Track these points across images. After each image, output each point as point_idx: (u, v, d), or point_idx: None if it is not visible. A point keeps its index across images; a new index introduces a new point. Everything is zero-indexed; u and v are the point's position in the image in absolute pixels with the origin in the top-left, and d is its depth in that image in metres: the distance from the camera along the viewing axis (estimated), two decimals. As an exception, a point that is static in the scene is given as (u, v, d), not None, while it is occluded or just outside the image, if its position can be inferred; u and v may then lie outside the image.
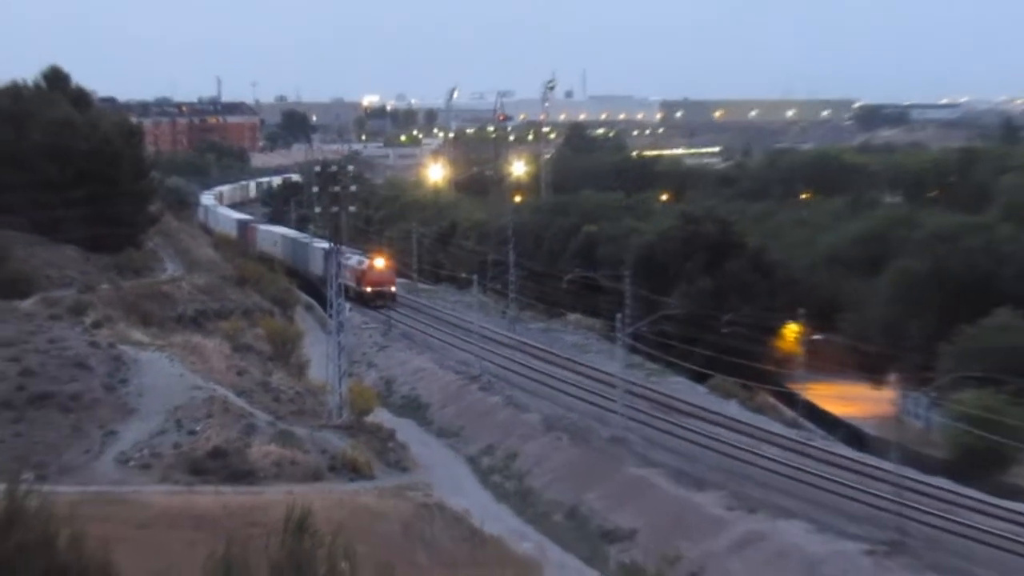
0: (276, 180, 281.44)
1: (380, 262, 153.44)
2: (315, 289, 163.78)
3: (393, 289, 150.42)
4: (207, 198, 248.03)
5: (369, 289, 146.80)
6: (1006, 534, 74.54)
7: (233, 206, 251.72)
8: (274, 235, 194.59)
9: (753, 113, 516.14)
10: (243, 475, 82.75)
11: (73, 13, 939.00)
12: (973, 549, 71.69)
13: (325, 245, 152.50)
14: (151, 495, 76.76)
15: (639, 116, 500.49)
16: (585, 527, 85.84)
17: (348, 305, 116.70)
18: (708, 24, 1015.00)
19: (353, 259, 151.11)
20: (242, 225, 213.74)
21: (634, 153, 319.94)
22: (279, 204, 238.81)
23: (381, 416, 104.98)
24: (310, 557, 12.57)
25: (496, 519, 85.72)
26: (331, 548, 12.55)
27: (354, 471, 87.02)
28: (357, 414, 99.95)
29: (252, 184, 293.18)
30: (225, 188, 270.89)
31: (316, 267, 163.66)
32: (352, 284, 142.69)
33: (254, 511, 63.15)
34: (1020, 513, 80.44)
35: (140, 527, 58.66)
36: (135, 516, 64.80)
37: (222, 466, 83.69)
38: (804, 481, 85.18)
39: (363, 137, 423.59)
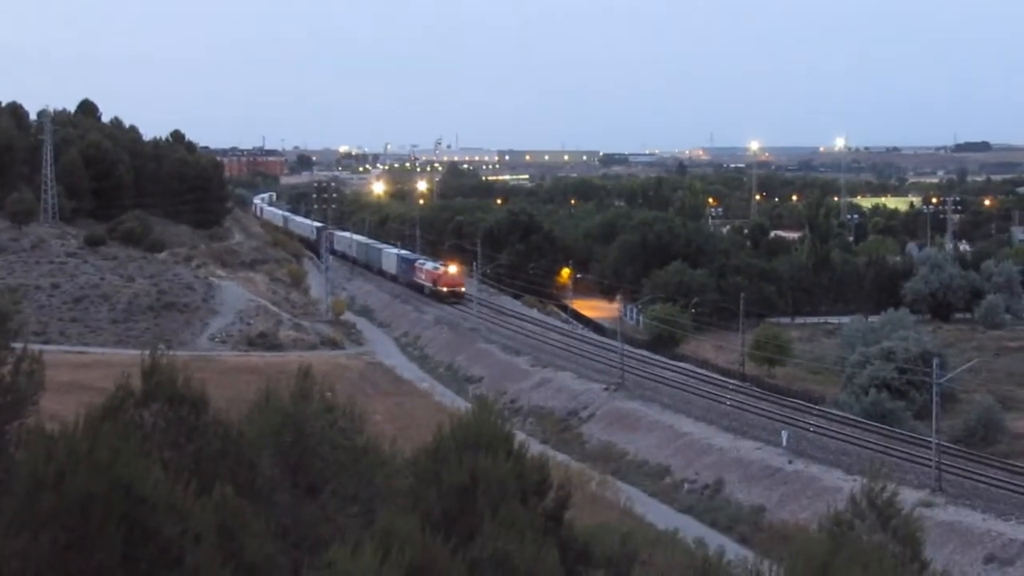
0: (293, 192, 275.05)
1: (453, 268, 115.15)
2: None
3: (463, 289, 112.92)
4: (258, 200, 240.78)
5: (445, 289, 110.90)
6: (677, 380, 75.50)
7: (270, 203, 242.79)
8: (348, 239, 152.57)
9: (546, 157, 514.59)
10: (275, 347, 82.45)
11: (186, 92, 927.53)
12: (659, 388, 72.45)
13: (396, 251, 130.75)
14: (227, 357, 76.23)
15: (486, 158, 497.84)
16: (456, 375, 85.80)
17: (332, 258, 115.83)
18: (521, 104, 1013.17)
19: (427, 264, 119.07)
20: (320, 230, 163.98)
21: (483, 178, 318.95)
22: (296, 203, 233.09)
23: (348, 316, 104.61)
24: (310, 390, 12.54)
25: (409, 370, 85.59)
26: (322, 385, 12.54)
27: (334, 345, 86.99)
28: (336, 315, 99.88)
29: (280, 193, 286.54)
30: (265, 195, 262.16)
31: (389, 267, 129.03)
32: (428, 284, 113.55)
33: (282, 365, 62.72)
34: (684, 368, 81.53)
35: (221, 374, 58.04)
36: (219, 368, 64.21)
37: (264, 342, 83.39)
38: (571, 350, 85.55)
39: (340, 168, 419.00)
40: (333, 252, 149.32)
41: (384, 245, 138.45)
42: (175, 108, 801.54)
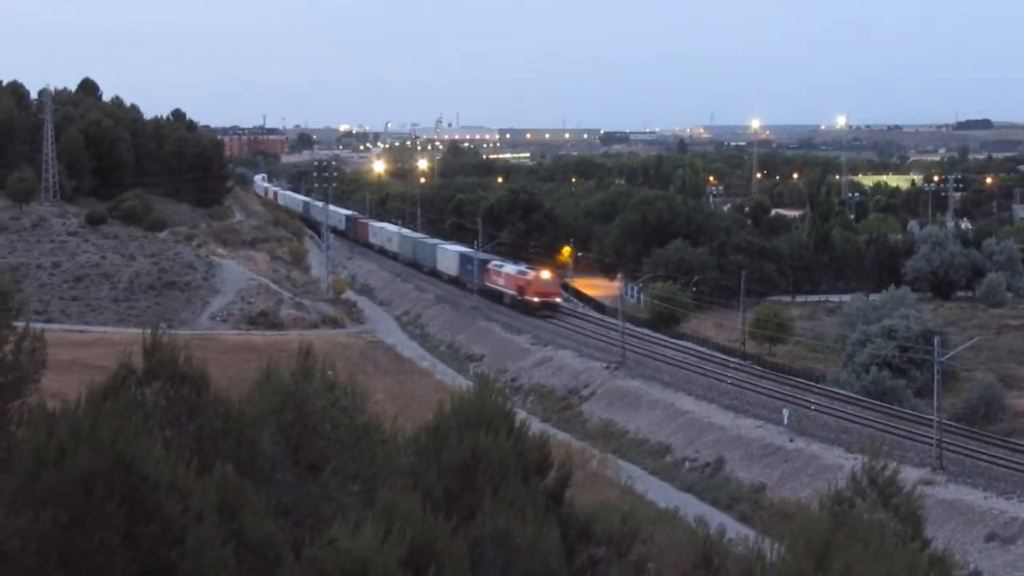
0: (293, 171, 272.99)
1: (546, 274, 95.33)
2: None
3: (558, 300, 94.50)
4: (258, 179, 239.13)
5: (536, 299, 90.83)
6: (677, 358, 75.55)
7: (268, 181, 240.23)
8: (388, 232, 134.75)
9: (547, 135, 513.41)
10: (276, 325, 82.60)
11: (186, 70, 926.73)
12: (660, 366, 72.51)
13: (457, 248, 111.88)
14: (227, 335, 76.36)
15: (487, 136, 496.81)
16: (457, 353, 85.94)
17: (332, 236, 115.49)
18: (522, 82, 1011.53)
19: (507, 267, 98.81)
20: (351, 220, 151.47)
21: (484, 156, 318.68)
22: (296, 182, 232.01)
23: (349, 295, 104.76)
24: (311, 369, 12.55)
25: (410, 349, 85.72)
26: (323, 364, 12.54)
27: (335, 323, 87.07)
28: (336, 293, 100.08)
29: (280, 171, 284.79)
30: (264, 174, 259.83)
31: (447, 268, 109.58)
32: (511, 292, 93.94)
33: (282, 344, 62.72)
34: (684, 346, 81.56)
35: (222, 353, 58.13)
36: (219, 347, 64.30)
37: (265, 320, 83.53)
38: (572, 329, 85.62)
39: (341, 147, 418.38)
40: (368, 246, 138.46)
41: (438, 241, 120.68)
42: (176, 87, 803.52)
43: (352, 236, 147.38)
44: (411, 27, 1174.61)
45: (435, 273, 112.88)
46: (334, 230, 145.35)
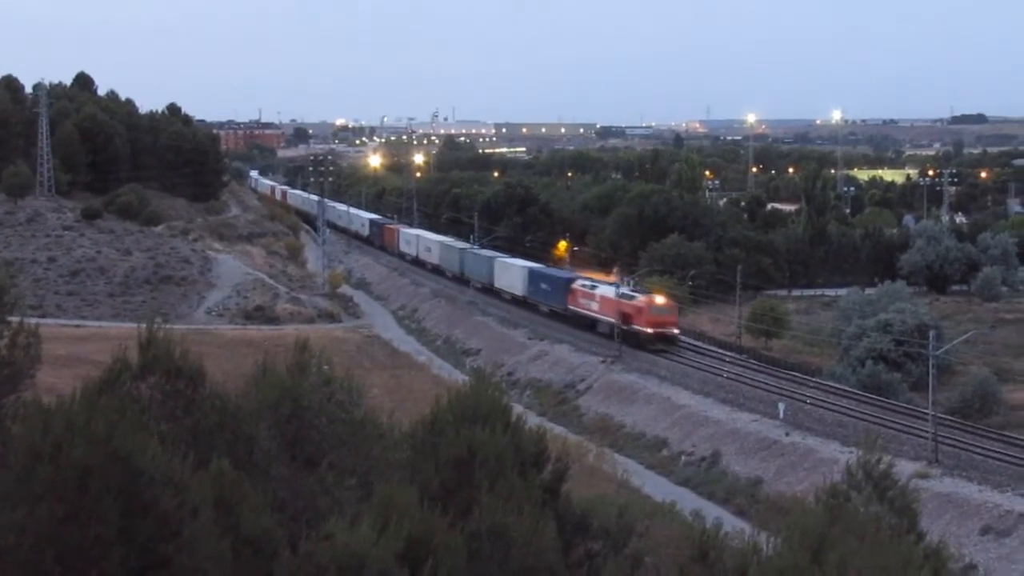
0: (290, 165, 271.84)
1: (660, 298, 76.08)
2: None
3: (676, 331, 75.91)
4: (254, 175, 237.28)
5: (650, 330, 72.47)
6: (674, 352, 75.49)
7: (263, 176, 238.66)
8: (427, 240, 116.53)
9: (543, 130, 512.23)
10: (272, 320, 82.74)
11: (182, 64, 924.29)
12: (656, 360, 72.39)
13: (523, 263, 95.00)
14: (224, 330, 76.44)
15: (483, 131, 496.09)
16: (453, 348, 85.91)
17: (329, 231, 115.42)
18: (518, 76, 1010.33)
19: (604, 288, 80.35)
20: (376, 225, 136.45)
21: (480, 151, 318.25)
22: (292, 176, 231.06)
23: (346, 289, 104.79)
24: (308, 363, 12.52)
25: (406, 343, 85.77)
26: (319, 358, 12.51)
27: (331, 318, 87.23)
28: (333, 288, 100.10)
29: (276, 166, 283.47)
30: (257, 169, 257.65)
31: (510, 285, 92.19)
32: (609, 319, 75.53)
33: (279, 339, 62.87)
34: (681, 340, 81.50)
35: (219, 347, 58.14)
36: (216, 341, 64.34)
37: (261, 315, 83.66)
38: (568, 323, 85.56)
39: (337, 141, 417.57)
40: (399, 256, 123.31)
41: (495, 253, 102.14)
42: (171, 81, 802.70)
43: (378, 243, 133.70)
44: (407, 21, 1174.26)
45: (491, 291, 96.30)
46: (356, 236, 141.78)
